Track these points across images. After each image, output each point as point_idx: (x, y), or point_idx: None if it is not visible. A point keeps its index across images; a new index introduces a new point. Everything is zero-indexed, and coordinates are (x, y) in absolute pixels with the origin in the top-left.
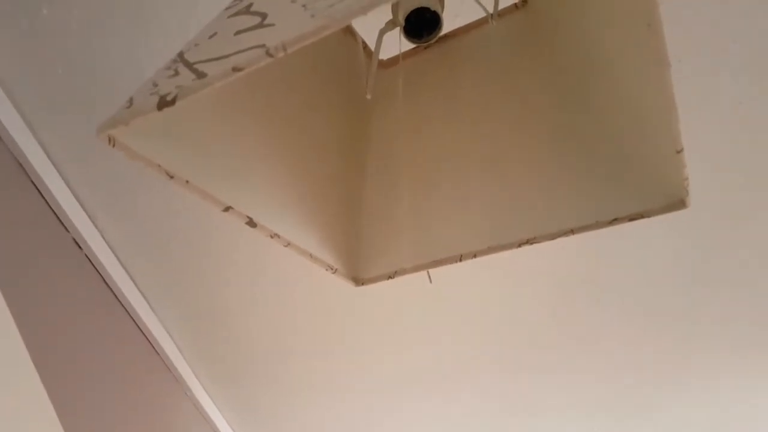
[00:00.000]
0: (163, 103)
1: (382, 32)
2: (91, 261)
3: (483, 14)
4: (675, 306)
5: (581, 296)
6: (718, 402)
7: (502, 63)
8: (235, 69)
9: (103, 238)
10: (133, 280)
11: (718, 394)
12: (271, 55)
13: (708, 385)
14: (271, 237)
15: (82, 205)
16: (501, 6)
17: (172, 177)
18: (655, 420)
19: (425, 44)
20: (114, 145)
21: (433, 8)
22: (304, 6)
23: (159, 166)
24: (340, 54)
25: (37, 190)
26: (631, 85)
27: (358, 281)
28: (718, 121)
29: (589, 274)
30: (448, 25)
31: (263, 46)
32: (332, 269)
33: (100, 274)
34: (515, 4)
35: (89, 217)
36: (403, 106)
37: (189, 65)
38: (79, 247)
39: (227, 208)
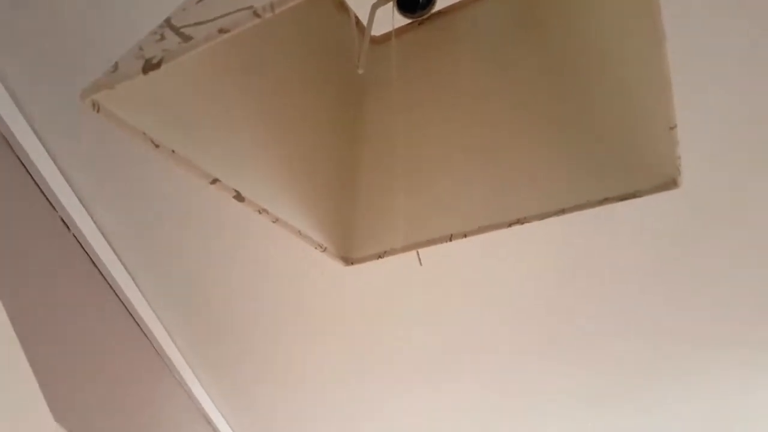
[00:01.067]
0: (149, 67)
1: (374, 6)
2: (79, 242)
3: None
4: (675, 298)
5: (580, 283)
6: (716, 393)
7: (497, 42)
8: (222, 30)
9: (93, 220)
10: (125, 266)
11: (717, 385)
12: (258, 15)
13: (708, 377)
14: (260, 212)
15: (70, 185)
16: None
17: (157, 146)
18: (654, 410)
19: (419, 20)
20: (98, 111)
21: None
22: None
23: (144, 134)
24: (332, 29)
25: (24, 167)
26: (627, 63)
27: (348, 261)
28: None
29: (589, 261)
30: (443, 1)
31: (251, 7)
32: (321, 248)
33: (88, 255)
34: None
35: (78, 198)
36: (396, 84)
37: (175, 29)
38: (68, 228)
39: (214, 181)
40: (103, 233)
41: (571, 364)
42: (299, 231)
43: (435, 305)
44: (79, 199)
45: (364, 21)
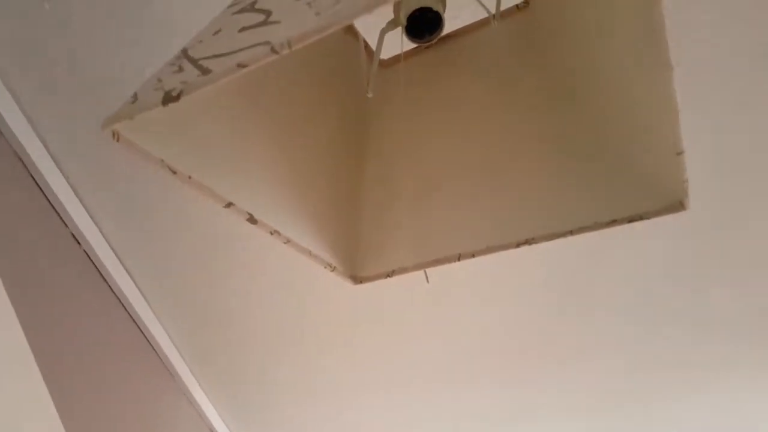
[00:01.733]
0: (168, 99)
1: (383, 32)
2: (89, 257)
3: (485, 15)
4: (673, 308)
5: (580, 297)
6: (715, 405)
7: (504, 65)
8: (240, 65)
9: (102, 234)
10: (132, 277)
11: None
12: (276, 52)
13: (708, 383)
14: (271, 234)
15: (81, 201)
16: (503, 7)
17: (175, 172)
18: (650, 423)
19: (426, 44)
20: (118, 140)
21: (435, 8)
22: (308, 4)
23: (162, 161)
24: (342, 53)
25: (37, 185)
26: (633, 88)
27: (357, 279)
28: (716, 123)
29: (590, 275)
30: (449, 26)
31: (268, 43)
32: (331, 267)
33: (98, 270)
34: (517, 5)
35: (89, 214)
36: (403, 106)
37: (193, 61)
38: (78, 243)
39: (228, 204)
40: (111, 246)
41: (571, 375)
42: (310, 251)
43: (436, 322)
44: (90, 215)
45: (373, 45)
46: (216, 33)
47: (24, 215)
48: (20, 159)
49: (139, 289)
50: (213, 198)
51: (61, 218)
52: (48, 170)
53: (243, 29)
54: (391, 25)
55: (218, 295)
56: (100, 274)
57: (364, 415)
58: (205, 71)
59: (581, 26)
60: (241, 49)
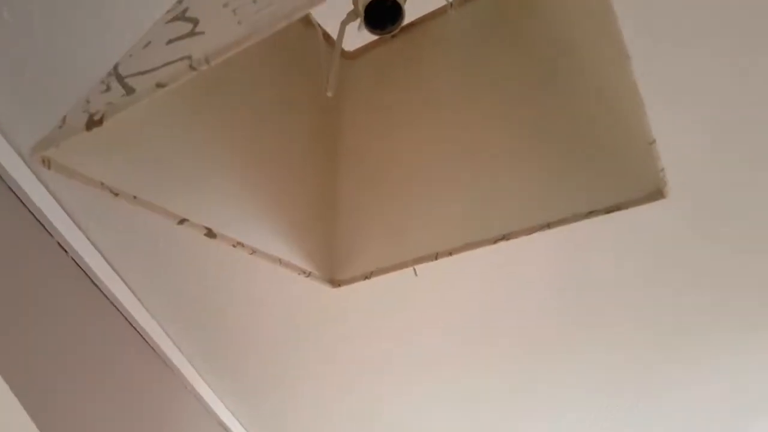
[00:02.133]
0: (92, 123)
1: (343, 24)
2: (77, 263)
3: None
4: (667, 298)
5: (576, 286)
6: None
7: (473, 52)
8: (159, 85)
9: (89, 239)
10: (124, 281)
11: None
12: (194, 69)
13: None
14: (234, 246)
15: (62, 207)
16: None
17: (117, 195)
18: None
19: (390, 34)
20: (50, 167)
21: None
22: (234, 11)
23: (102, 184)
24: (301, 47)
25: (15, 195)
26: (601, 75)
27: (335, 282)
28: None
29: (584, 264)
30: (413, 13)
31: (189, 57)
32: (305, 273)
33: (88, 275)
34: None
35: (70, 218)
36: (372, 99)
37: (120, 79)
38: (65, 251)
39: (182, 221)
40: (101, 253)
41: (569, 366)
42: (280, 259)
43: (434, 312)
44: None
45: (335, 36)
46: (146, 46)
47: (3, 225)
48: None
49: (135, 294)
50: (164, 215)
51: (45, 229)
52: (23, 178)
53: (170, 41)
54: (351, 16)
55: (216, 294)
56: (89, 278)
57: (373, 409)
58: (129, 90)
59: (548, 10)
60: (163, 65)
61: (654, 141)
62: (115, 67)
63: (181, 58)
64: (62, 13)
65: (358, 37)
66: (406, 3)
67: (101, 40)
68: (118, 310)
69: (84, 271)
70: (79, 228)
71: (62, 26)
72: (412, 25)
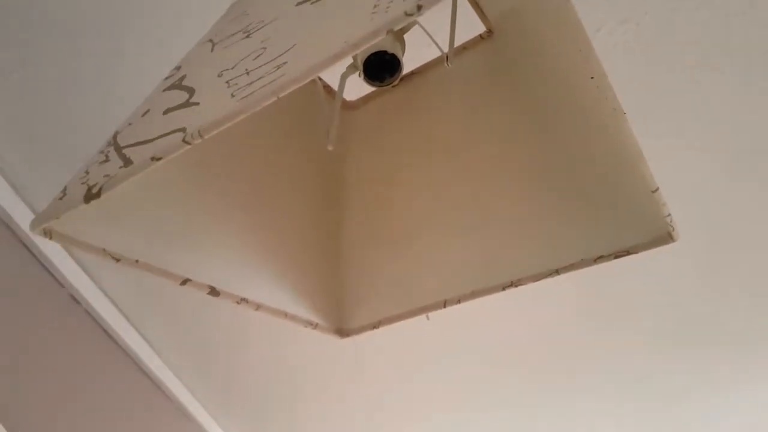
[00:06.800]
0: (90, 196)
1: (343, 77)
2: (91, 315)
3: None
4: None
5: (588, 320)
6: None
7: (473, 99)
8: (154, 158)
9: (101, 288)
10: (139, 331)
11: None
12: (188, 143)
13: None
14: (238, 303)
15: (73, 258)
16: (466, 38)
17: (118, 260)
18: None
19: (390, 85)
20: (51, 238)
21: (391, 50)
22: (227, 83)
23: (104, 250)
24: (303, 100)
25: (28, 250)
26: (601, 124)
27: (343, 332)
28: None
29: (597, 298)
30: (412, 64)
31: (183, 130)
32: (312, 325)
33: (103, 328)
34: (480, 35)
35: (83, 270)
36: (374, 148)
37: (118, 149)
38: (77, 303)
39: (185, 281)
40: (114, 303)
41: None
42: (285, 313)
43: (444, 346)
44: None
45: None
46: (145, 114)
47: (13, 278)
48: (7, 226)
49: (145, 340)
50: (166, 277)
51: (55, 278)
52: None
53: (167, 111)
54: (351, 68)
55: (223, 328)
56: (103, 329)
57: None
58: (126, 162)
59: (547, 57)
60: (158, 137)
61: (657, 189)
62: (115, 136)
63: (176, 131)
64: (72, 69)
65: (360, 86)
66: (405, 54)
67: (110, 95)
68: (132, 359)
69: (96, 321)
70: (92, 279)
71: (73, 83)
72: (412, 74)
